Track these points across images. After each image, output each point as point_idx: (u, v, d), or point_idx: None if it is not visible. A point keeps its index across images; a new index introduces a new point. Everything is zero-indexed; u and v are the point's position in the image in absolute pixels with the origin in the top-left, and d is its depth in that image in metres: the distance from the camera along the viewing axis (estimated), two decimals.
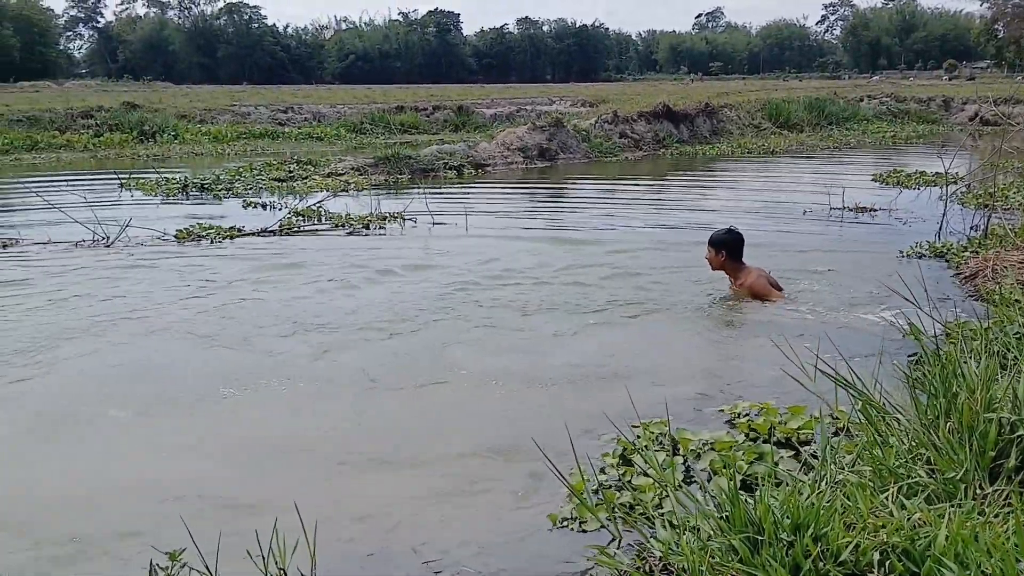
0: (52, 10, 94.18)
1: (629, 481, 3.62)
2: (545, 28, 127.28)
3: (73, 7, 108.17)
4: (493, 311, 6.58)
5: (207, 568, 2.67)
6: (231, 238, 9.73)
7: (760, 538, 2.61)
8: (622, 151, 20.59)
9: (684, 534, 2.81)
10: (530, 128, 19.05)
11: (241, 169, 16.22)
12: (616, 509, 3.36)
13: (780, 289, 6.71)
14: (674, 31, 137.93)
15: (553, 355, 5.58)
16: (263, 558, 2.79)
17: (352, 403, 4.76)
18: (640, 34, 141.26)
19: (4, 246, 9.30)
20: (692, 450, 3.86)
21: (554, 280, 7.57)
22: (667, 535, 2.92)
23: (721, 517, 2.76)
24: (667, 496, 3.43)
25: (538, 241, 9.62)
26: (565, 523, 3.37)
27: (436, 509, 3.54)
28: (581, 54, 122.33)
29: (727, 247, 6.71)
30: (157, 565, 2.53)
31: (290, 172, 16.03)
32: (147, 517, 3.40)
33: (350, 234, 10.09)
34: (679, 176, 17.16)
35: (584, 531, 3.32)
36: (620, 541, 3.19)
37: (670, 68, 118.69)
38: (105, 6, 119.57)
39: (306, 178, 15.46)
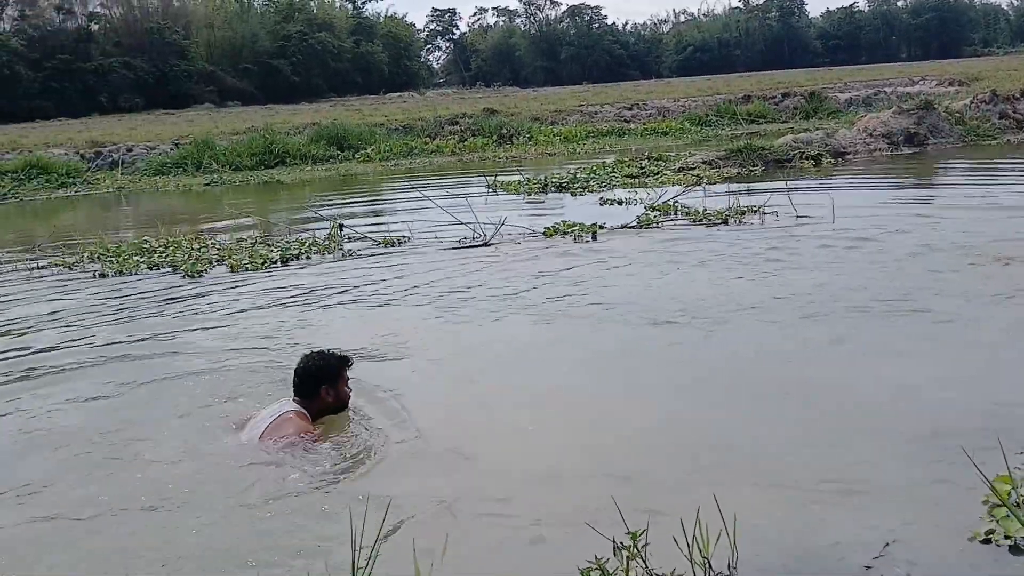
0: (414, 25, 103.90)
1: None
2: (900, 3, 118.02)
3: (432, 21, 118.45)
4: (889, 302, 6.33)
5: (638, 550, 2.82)
6: (593, 234, 10.10)
7: None
8: (1003, 133, 18.60)
9: None
10: (895, 112, 17.81)
11: (595, 167, 16.79)
12: None
13: None
14: None
15: (964, 346, 5.32)
16: (688, 546, 2.89)
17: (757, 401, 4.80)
18: (1012, 3, 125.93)
19: (398, 243, 10.40)
20: None
21: (966, 273, 7.13)
22: None
23: None
24: None
25: (923, 230, 9.00)
26: (989, 536, 3.13)
27: (847, 509, 3.47)
28: (941, 29, 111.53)
29: None
30: (620, 543, 2.72)
31: (641, 168, 16.31)
32: (588, 497, 3.67)
33: (710, 228, 10.05)
34: None
35: (1013, 548, 3.07)
36: None
37: None
38: (460, 18, 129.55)
39: (657, 174, 15.63)
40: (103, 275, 9.44)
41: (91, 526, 3.72)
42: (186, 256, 10.00)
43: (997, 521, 3.18)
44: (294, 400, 4.65)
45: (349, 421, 4.74)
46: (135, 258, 10.07)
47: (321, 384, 4.68)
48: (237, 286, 8.58)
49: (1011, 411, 4.26)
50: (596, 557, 2.67)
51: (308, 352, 4.86)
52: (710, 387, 5.04)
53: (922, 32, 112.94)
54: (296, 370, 4.75)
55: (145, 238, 11.41)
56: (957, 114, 18.73)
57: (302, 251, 10.09)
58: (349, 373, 4.84)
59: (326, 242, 10.52)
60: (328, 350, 4.89)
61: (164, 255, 10.19)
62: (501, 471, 4.06)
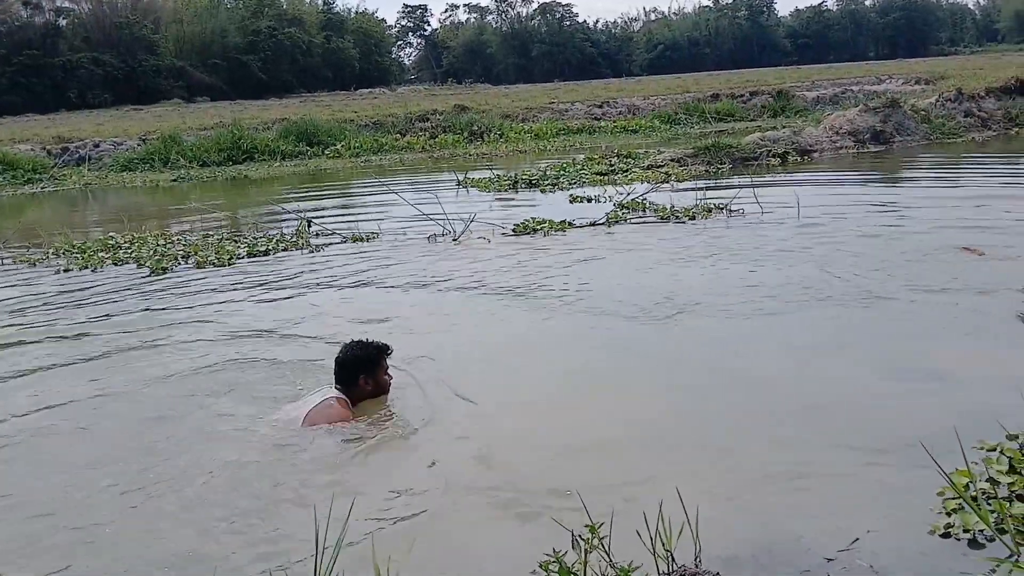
0: (385, 21, 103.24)
1: (1018, 493, 3.35)
2: (868, 3, 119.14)
3: (404, 17, 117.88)
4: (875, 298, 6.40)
5: (599, 541, 2.83)
6: (563, 231, 10.12)
7: None
8: (967, 131, 18.89)
9: None
10: (862, 110, 18.01)
11: (565, 164, 16.83)
12: (1009, 520, 3.12)
13: None
14: None
15: (925, 340, 5.38)
16: (651, 539, 2.91)
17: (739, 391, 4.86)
18: (978, 2, 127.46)
19: (367, 239, 10.36)
20: None
21: (929, 266, 7.22)
22: None
23: None
24: None
25: (887, 226, 9.11)
26: (949, 530, 3.19)
27: (811, 504, 3.51)
28: (909, 28, 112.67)
29: None
30: (579, 536, 2.73)
31: (610, 166, 16.37)
32: (550, 491, 3.70)
33: (678, 225, 10.10)
34: None
35: (972, 542, 3.12)
36: (1021, 557, 2.96)
37: (1014, 38, 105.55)
38: (431, 15, 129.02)
39: (626, 171, 15.70)
40: (68, 270, 9.33)
41: (71, 513, 3.73)
42: (151, 252, 9.91)
43: (948, 513, 3.25)
44: (336, 387, 4.81)
45: (379, 410, 4.84)
46: (100, 254, 9.96)
47: (360, 373, 4.85)
48: (203, 281, 8.52)
49: (973, 407, 4.31)
50: (554, 550, 2.69)
51: (348, 342, 5.00)
52: (675, 382, 5.06)
53: (890, 31, 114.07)
54: (336, 359, 4.92)
55: (111, 234, 11.29)
56: (923, 112, 18.97)
57: (269, 247, 10.03)
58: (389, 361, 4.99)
59: (294, 238, 10.47)
60: (368, 339, 5.01)
61: (130, 251, 10.09)
62: (462, 465, 4.06)
